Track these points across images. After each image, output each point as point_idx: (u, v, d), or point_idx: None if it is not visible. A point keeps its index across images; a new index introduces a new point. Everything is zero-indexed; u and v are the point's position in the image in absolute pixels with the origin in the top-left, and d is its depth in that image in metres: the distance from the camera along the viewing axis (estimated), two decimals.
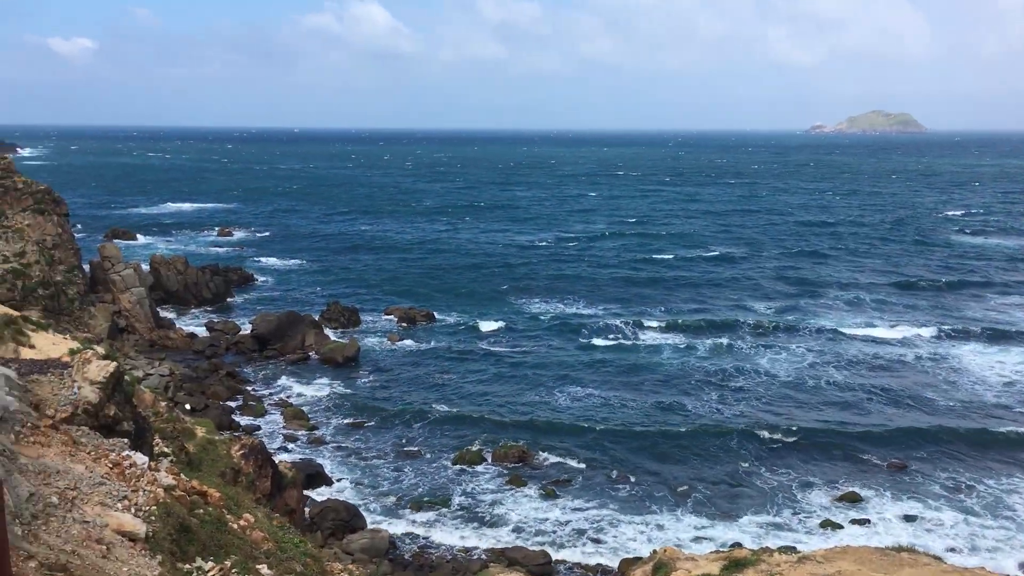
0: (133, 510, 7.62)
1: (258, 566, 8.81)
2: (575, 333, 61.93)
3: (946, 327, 63.94)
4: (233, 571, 8.21)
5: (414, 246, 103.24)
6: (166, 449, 14.05)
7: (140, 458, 8.82)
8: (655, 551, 19.36)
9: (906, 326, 64.58)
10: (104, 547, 6.67)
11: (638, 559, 31.05)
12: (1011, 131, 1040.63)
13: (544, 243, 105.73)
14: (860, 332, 62.94)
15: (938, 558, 16.70)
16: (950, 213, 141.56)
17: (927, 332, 62.80)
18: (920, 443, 42.57)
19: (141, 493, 7.96)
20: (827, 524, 34.29)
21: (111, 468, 8.17)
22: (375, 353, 57.64)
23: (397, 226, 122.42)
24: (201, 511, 9.12)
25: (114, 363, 11.71)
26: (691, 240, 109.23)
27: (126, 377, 13.05)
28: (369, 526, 33.16)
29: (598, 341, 60.04)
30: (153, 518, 7.67)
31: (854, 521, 34.59)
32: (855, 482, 38.23)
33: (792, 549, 32.00)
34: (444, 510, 35.35)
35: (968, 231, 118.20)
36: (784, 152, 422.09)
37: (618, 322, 64.77)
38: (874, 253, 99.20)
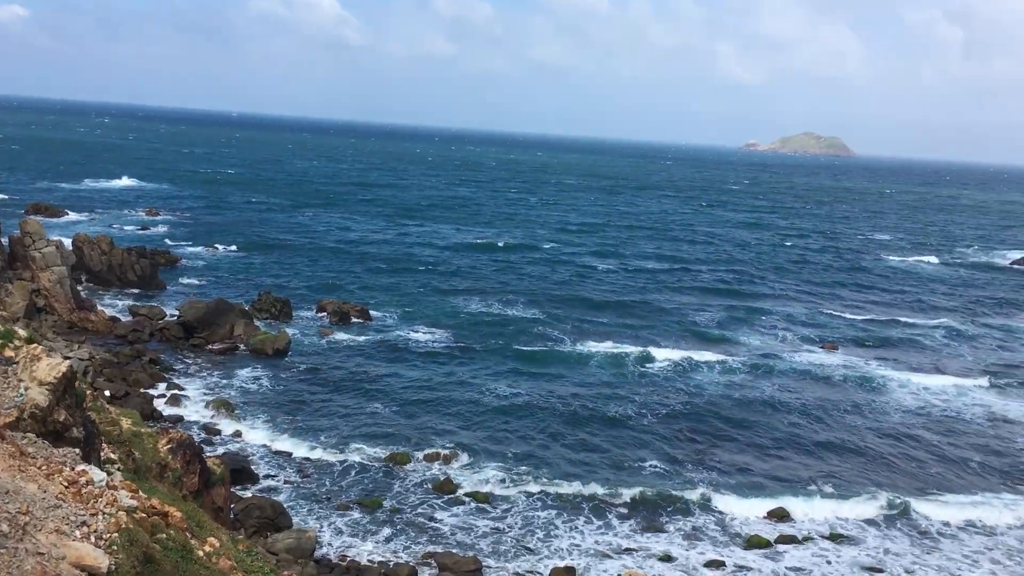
0: (93, 538, 6.84)
1: None
2: (512, 337, 61.57)
3: (873, 349, 65.61)
4: None
5: (352, 241, 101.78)
6: (112, 455, 13.06)
7: (97, 474, 8.02)
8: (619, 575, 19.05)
9: (837, 348, 65.88)
10: None
11: (569, 569, 30.93)
12: (936, 160, 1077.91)
13: (484, 245, 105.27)
14: (790, 352, 64.01)
15: None
16: (877, 236, 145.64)
17: (854, 354, 64.15)
18: (843, 461, 43.36)
19: (101, 517, 7.17)
20: (755, 540, 34.50)
21: (66, 487, 7.37)
22: (306, 347, 56.42)
23: (335, 219, 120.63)
24: (163, 535, 8.34)
25: (67, 362, 10.82)
26: (624, 251, 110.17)
27: (78, 377, 12.12)
28: (295, 526, 32.24)
29: (534, 346, 59.80)
30: (115, 547, 6.90)
31: (782, 538, 34.89)
32: (781, 498, 38.54)
33: (720, 564, 32.35)
34: (373, 511, 34.59)
35: (894, 254, 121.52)
36: (721, 168, 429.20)
37: (555, 329, 64.65)
38: (805, 274, 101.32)
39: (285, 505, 33.46)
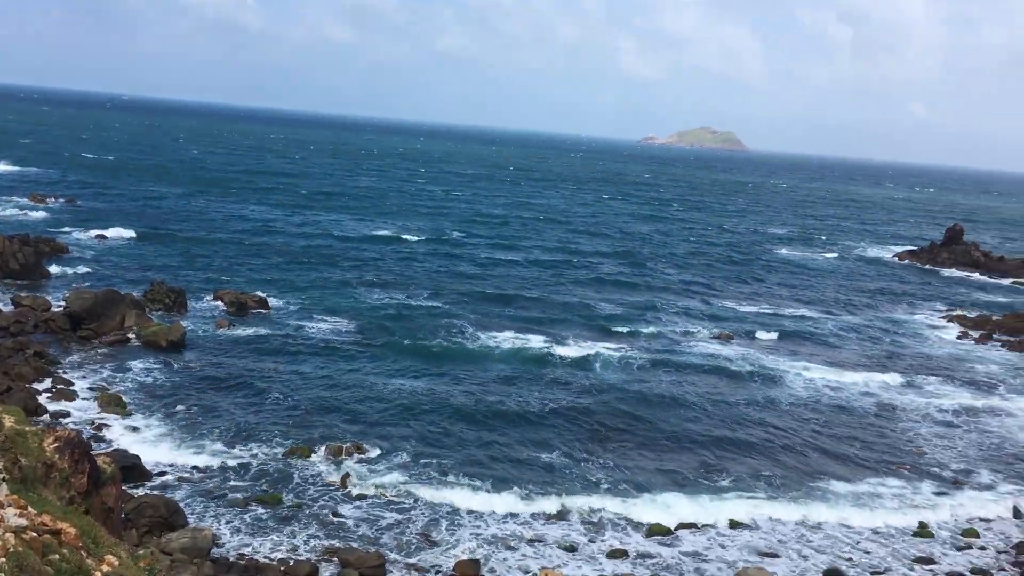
0: None
1: None
2: (415, 330, 61.09)
3: (767, 341, 67.86)
4: None
5: (250, 230, 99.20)
6: None
7: None
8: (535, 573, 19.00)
9: (733, 339, 67.76)
10: None
11: (473, 561, 30.86)
12: (825, 156, 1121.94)
13: (386, 236, 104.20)
14: (687, 343, 65.52)
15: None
16: (771, 230, 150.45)
17: (749, 345, 66.14)
18: (739, 451, 44.60)
19: None
20: (656, 528, 35.15)
21: None
22: (202, 339, 54.72)
23: (232, 207, 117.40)
24: (56, 556, 7.68)
25: None
26: (527, 243, 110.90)
27: None
28: (190, 524, 31.19)
29: (437, 339, 59.45)
30: (3, 574, 6.28)
31: (682, 525, 35.64)
32: (681, 487, 39.35)
33: (623, 553, 32.80)
34: (273, 507, 33.78)
35: (787, 247, 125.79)
36: (622, 160, 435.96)
37: (458, 321, 64.43)
38: (703, 267, 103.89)
39: (180, 503, 32.36)
